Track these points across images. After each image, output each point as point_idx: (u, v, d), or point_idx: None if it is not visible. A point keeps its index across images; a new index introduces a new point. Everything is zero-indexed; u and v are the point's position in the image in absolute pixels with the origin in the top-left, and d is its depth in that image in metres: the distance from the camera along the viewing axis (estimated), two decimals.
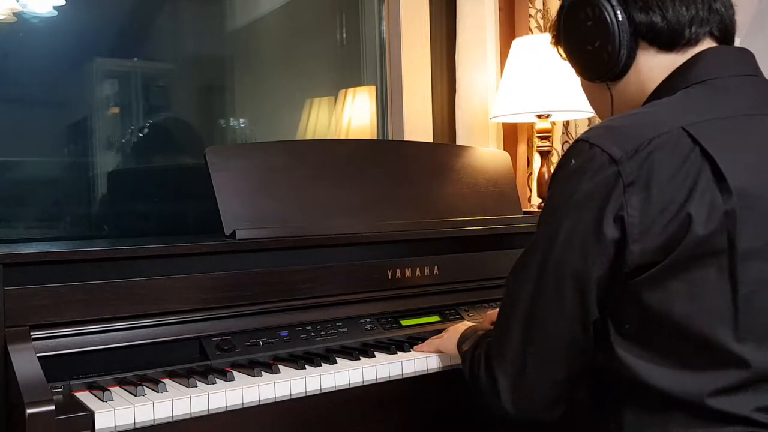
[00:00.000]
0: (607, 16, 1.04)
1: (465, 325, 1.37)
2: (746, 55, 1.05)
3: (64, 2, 1.88)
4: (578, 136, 0.98)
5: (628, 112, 1.02)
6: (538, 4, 2.36)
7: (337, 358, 1.37)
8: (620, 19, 1.03)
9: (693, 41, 1.03)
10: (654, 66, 1.05)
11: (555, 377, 1.00)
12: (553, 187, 1.00)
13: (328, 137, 2.49)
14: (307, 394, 1.26)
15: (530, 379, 1.00)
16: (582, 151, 0.95)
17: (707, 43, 1.04)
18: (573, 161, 0.96)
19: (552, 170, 2.21)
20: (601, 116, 1.18)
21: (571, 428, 1.07)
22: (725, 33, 1.05)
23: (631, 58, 1.05)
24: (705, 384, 0.88)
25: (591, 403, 1.03)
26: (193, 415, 1.16)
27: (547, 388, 1.00)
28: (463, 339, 1.27)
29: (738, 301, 0.87)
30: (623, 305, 0.93)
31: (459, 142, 2.33)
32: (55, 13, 1.88)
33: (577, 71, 1.15)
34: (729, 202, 0.87)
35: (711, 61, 1.01)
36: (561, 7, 1.16)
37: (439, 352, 1.38)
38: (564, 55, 1.17)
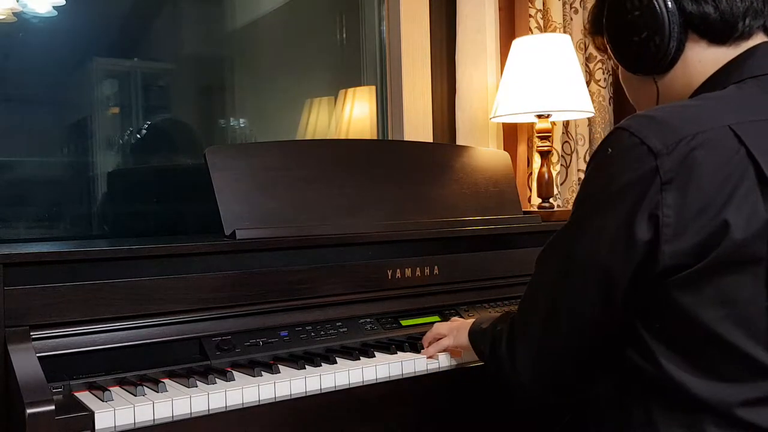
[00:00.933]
0: (657, 6, 0.99)
1: (468, 321, 1.37)
2: None
3: (64, 2, 1.88)
4: (619, 123, 0.94)
5: (675, 102, 0.98)
6: (538, 4, 2.36)
7: (337, 358, 1.37)
8: (670, 8, 0.99)
9: (746, 35, 0.98)
10: (704, 59, 1.00)
11: (575, 358, 0.99)
12: (589, 174, 0.97)
13: (328, 137, 2.49)
14: (307, 394, 1.26)
15: (551, 357, 1.00)
16: (621, 140, 0.91)
17: (760, 38, 1.00)
18: (610, 150, 0.92)
19: (551, 170, 2.22)
20: (630, 105, 1.16)
21: (594, 422, 1.06)
22: None
23: (680, 50, 1.01)
24: (735, 394, 0.86)
25: (614, 396, 1.00)
26: (193, 415, 1.16)
27: (566, 368, 1.00)
28: (479, 322, 1.27)
29: None
30: (653, 305, 0.91)
31: (459, 142, 2.33)
32: (55, 13, 1.88)
33: (620, 63, 1.10)
34: None
35: (766, 55, 0.97)
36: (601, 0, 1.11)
37: (454, 347, 1.37)
38: (603, 47, 1.13)
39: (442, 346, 1.38)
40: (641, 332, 0.93)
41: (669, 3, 0.99)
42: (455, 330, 1.37)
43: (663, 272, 0.88)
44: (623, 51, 1.07)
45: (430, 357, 1.39)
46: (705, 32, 0.99)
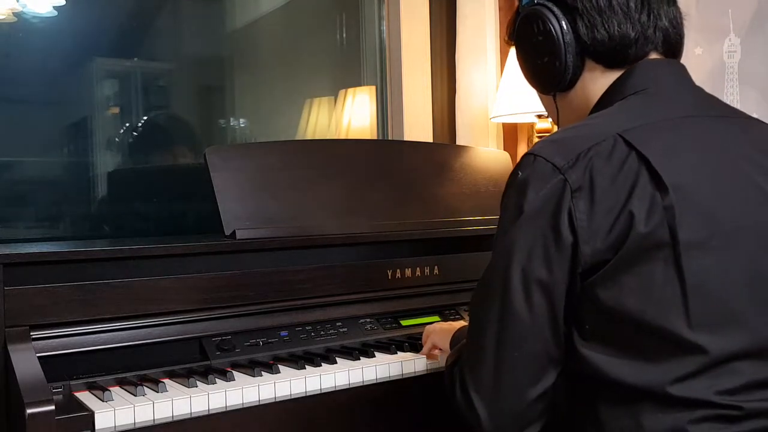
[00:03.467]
0: (554, 33, 1.08)
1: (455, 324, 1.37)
2: (677, 66, 1.09)
3: (64, 2, 1.88)
4: (527, 150, 1.03)
5: (570, 126, 1.06)
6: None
7: (337, 358, 1.37)
8: (567, 37, 1.07)
9: (637, 59, 1.06)
10: (599, 82, 1.09)
11: (532, 394, 0.99)
12: (505, 201, 1.03)
13: (328, 137, 2.49)
14: (307, 394, 1.27)
15: (507, 399, 1.00)
16: (528, 163, 0.99)
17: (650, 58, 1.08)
18: (520, 173, 0.99)
19: None
20: (554, 123, 1.24)
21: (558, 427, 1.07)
22: (670, 50, 1.09)
23: (576, 75, 1.09)
24: (665, 373, 0.91)
25: (568, 405, 1.04)
26: (193, 415, 1.16)
27: (525, 406, 1.00)
28: (454, 341, 1.26)
29: (687, 290, 0.91)
30: (581, 306, 0.96)
31: (459, 142, 2.33)
32: (55, 13, 1.88)
33: (527, 80, 1.20)
34: (667, 199, 0.91)
35: (643, 72, 1.06)
36: (516, 13, 1.19)
37: (437, 347, 1.38)
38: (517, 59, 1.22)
39: (431, 344, 1.39)
40: (575, 337, 0.97)
41: (566, 31, 1.07)
42: (440, 328, 1.38)
43: (585, 273, 0.94)
44: (528, 70, 1.18)
45: (427, 356, 1.39)
46: (599, 58, 1.08)
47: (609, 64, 1.08)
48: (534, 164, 0.98)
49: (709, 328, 0.91)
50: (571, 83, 1.11)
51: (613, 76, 1.08)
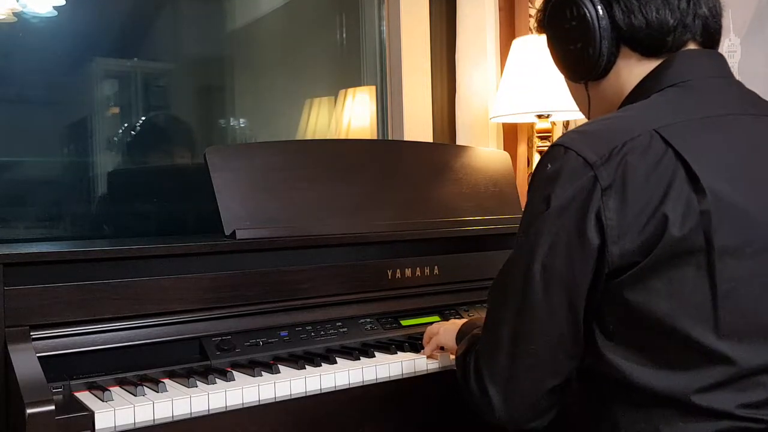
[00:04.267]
0: (589, 18, 1.03)
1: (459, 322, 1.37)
2: (718, 58, 1.05)
3: (64, 2, 1.88)
4: (556, 140, 0.99)
5: (603, 116, 1.02)
6: (538, 4, 2.35)
7: (337, 358, 1.37)
8: (602, 22, 1.03)
9: (675, 48, 1.02)
10: (634, 71, 1.05)
11: (547, 385, 0.99)
12: (531, 194, 1.00)
13: (328, 137, 2.49)
14: (307, 394, 1.26)
15: (522, 388, 1.00)
16: (557, 155, 0.95)
17: (689, 48, 1.04)
18: (549, 166, 0.96)
19: None
20: (584, 115, 1.19)
21: (562, 428, 1.07)
22: (708, 40, 1.05)
23: (611, 62, 1.05)
24: (690, 382, 0.89)
25: (582, 404, 1.03)
26: (193, 415, 1.16)
27: (540, 396, 1.00)
28: (461, 335, 1.26)
29: (717, 298, 0.88)
30: (606, 306, 0.94)
31: (459, 142, 2.33)
32: (55, 13, 1.88)
33: (557, 67, 1.15)
34: (703, 203, 0.88)
35: (684, 63, 1.01)
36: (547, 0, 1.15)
37: (440, 347, 1.38)
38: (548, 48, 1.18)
39: (436, 344, 1.39)
40: (597, 336, 0.95)
41: (601, 16, 1.03)
42: (443, 329, 1.38)
43: (613, 273, 0.92)
44: (560, 57, 1.13)
45: (429, 357, 1.39)
46: (636, 46, 1.03)
47: (646, 53, 1.03)
48: (564, 157, 0.94)
49: (738, 338, 0.89)
50: (605, 71, 1.06)
51: (649, 65, 1.03)
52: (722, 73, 1.04)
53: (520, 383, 1.00)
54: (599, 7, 1.03)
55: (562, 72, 1.15)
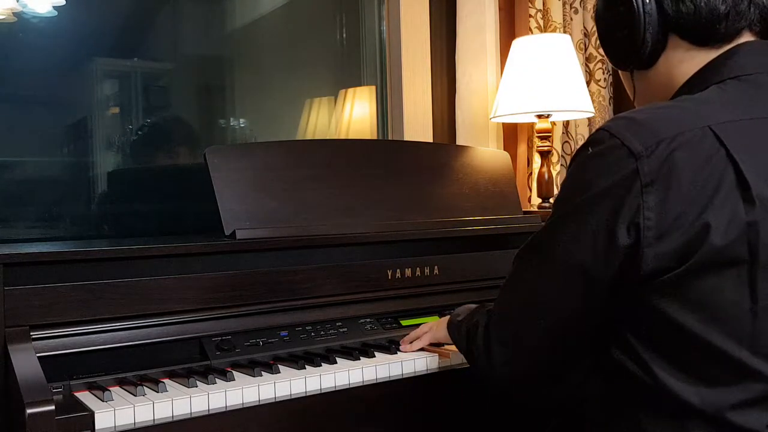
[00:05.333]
0: (635, 4, 0.99)
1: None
2: None
3: (64, 2, 1.87)
4: (602, 124, 0.94)
5: (655, 104, 0.97)
6: (538, 4, 2.35)
7: (337, 358, 1.37)
8: (648, 8, 0.98)
9: (729, 36, 0.97)
10: (685, 60, 0.99)
11: (549, 357, 1.01)
12: (570, 175, 0.96)
13: (328, 137, 2.49)
14: (307, 394, 1.26)
15: (525, 353, 1.01)
16: (602, 140, 0.91)
17: (746, 39, 0.98)
18: (590, 149, 0.91)
19: (551, 170, 2.21)
20: (631, 103, 1.15)
21: (583, 426, 1.06)
22: (767, 30, 0.99)
23: (657, 50, 1.00)
24: (723, 398, 0.86)
25: (602, 404, 1.01)
26: (193, 415, 1.16)
27: (541, 365, 1.02)
28: (456, 314, 1.27)
29: (757, 313, 0.84)
30: (638, 311, 0.91)
31: (459, 142, 2.33)
32: (55, 13, 1.87)
33: (605, 55, 1.12)
34: (751, 213, 0.83)
35: (749, 54, 0.96)
36: None
37: (436, 341, 1.39)
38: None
39: (424, 342, 1.40)
40: (627, 335, 0.92)
41: (648, 2, 0.99)
42: (435, 325, 1.39)
43: (645, 276, 0.87)
44: (608, 45, 1.09)
45: (405, 352, 1.40)
46: (685, 33, 0.99)
47: (696, 41, 0.98)
48: (608, 144, 0.89)
49: None
50: (652, 60, 1.02)
51: (702, 55, 0.98)
52: None
53: (524, 350, 1.01)
54: None
55: (610, 60, 1.11)
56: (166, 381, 1.23)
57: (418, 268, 1.63)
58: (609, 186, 0.88)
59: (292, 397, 1.25)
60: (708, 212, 0.83)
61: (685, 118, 0.88)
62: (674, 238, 0.84)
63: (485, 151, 1.92)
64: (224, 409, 1.19)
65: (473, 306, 1.24)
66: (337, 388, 1.30)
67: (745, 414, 0.85)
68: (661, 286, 0.87)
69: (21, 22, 1.83)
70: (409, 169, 1.74)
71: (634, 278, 0.88)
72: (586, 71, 2.45)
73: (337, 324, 1.50)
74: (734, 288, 0.84)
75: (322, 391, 1.28)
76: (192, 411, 1.16)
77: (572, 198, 0.93)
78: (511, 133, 2.49)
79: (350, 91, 2.53)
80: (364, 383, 1.32)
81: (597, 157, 0.90)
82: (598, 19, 1.10)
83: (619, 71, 1.13)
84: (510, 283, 1.06)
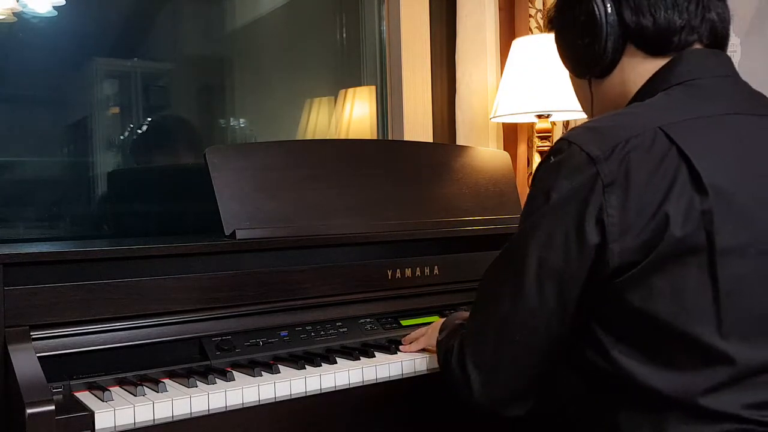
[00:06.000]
0: (597, 14, 1.04)
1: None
2: (725, 58, 1.05)
3: (64, 2, 1.88)
4: (562, 135, 1.00)
5: (609, 113, 1.03)
6: (538, 4, 2.36)
7: (337, 358, 1.37)
8: (610, 18, 1.04)
9: (680, 48, 1.03)
10: (639, 69, 1.06)
11: (529, 372, 1.00)
12: (533, 186, 1.00)
13: (328, 137, 2.49)
14: (307, 394, 1.26)
15: (504, 373, 1.01)
16: (562, 149, 0.96)
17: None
18: (552, 159, 0.97)
19: None
20: (585, 112, 1.20)
21: (566, 430, 1.07)
22: (715, 43, 1.06)
23: (616, 60, 1.06)
24: (696, 383, 0.89)
25: (581, 405, 1.03)
26: (193, 415, 1.16)
27: (520, 383, 1.01)
28: (442, 328, 1.27)
29: (720, 298, 0.88)
30: (608, 307, 0.94)
31: (459, 142, 2.33)
32: (55, 13, 1.88)
33: (563, 63, 1.16)
34: (706, 202, 0.88)
35: (690, 62, 1.02)
36: None
37: (425, 348, 1.38)
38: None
39: (420, 345, 1.40)
40: (599, 335, 0.95)
41: (610, 13, 1.04)
42: (431, 329, 1.38)
43: (613, 272, 0.91)
44: (567, 53, 1.14)
45: (405, 352, 1.40)
46: (642, 44, 1.04)
47: (651, 51, 1.04)
48: (568, 151, 0.95)
49: (741, 338, 0.88)
50: (609, 68, 1.07)
51: (654, 64, 1.04)
52: (728, 73, 1.04)
53: (502, 370, 1.00)
54: (608, 4, 1.04)
55: (567, 67, 1.15)
56: (166, 381, 1.23)
57: (418, 268, 1.63)
58: (573, 188, 0.93)
59: (292, 397, 1.25)
60: (666, 205, 0.88)
61: (637, 122, 0.94)
62: (637, 233, 0.89)
63: (485, 151, 1.92)
64: (224, 409, 1.19)
65: (457, 322, 1.22)
66: (337, 388, 1.30)
67: (718, 398, 0.88)
68: (628, 281, 0.91)
69: (21, 22, 1.83)
70: (409, 169, 1.74)
71: (603, 276, 0.92)
72: None
73: (337, 324, 1.50)
74: (697, 275, 0.89)
75: (322, 391, 1.28)
76: (192, 411, 1.16)
77: (540, 207, 0.96)
78: (511, 133, 2.49)
79: (350, 91, 2.53)
80: (364, 383, 1.32)
81: (559, 165, 0.95)
82: (558, 28, 1.15)
83: (574, 80, 1.18)
84: (480, 304, 1.06)
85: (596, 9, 1.04)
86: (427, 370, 1.38)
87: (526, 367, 1.00)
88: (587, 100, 1.15)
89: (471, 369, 1.03)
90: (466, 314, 1.25)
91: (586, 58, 1.08)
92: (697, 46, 1.04)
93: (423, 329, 1.43)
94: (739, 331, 0.89)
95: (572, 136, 0.96)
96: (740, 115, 0.98)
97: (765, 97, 1.06)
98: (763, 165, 0.94)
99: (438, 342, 1.20)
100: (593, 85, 1.12)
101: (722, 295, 0.88)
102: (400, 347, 1.43)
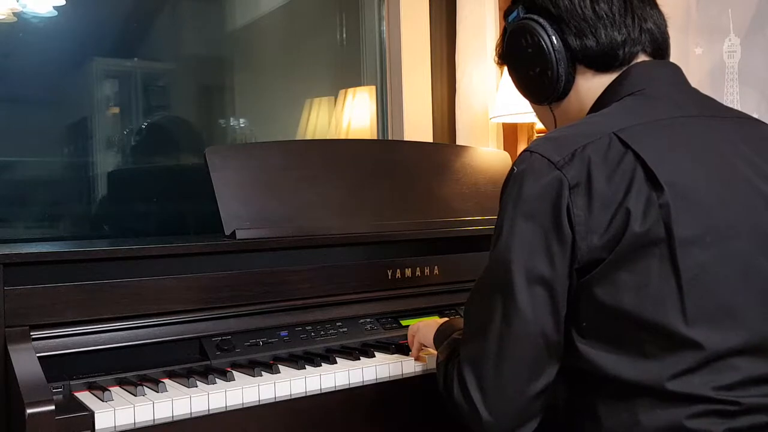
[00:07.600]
0: (544, 44, 1.10)
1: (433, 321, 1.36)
2: (672, 67, 1.12)
3: (64, 2, 1.88)
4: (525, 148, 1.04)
5: (567, 125, 1.08)
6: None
7: (337, 358, 1.37)
8: (556, 46, 1.10)
9: (626, 61, 1.09)
10: (592, 86, 1.11)
11: (533, 389, 1.00)
12: (503, 198, 1.03)
13: (328, 137, 2.49)
14: (307, 394, 1.27)
15: (508, 394, 1.00)
16: (524, 159, 1.00)
17: (641, 59, 1.11)
18: (516, 168, 1.01)
19: None
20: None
21: (549, 429, 1.07)
22: (658, 50, 1.12)
23: (569, 82, 1.12)
24: (662, 369, 0.92)
25: (564, 402, 1.05)
26: (193, 415, 1.16)
27: (526, 402, 1.00)
28: (439, 335, 1.25)
29: (682, 286, 0.92)
30: (578, 303, 0.97)
31: (459, 142, 2.33)
32: (55, 13, 1.88)
33: (521, 93, 1.21)
34: (662, 197, 0.93)
35: (639, 74, 1.08)
36: (504, 31, 1.22)
37: (422, 346, 1.38)
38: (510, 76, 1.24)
39: (418, 347, 1.39)
40: (573, 334, 0.98)
41: (555, 41, 1.10)
42: (423, 324, 1.37)
43: (581, 270, 0.95)
44: (522, 83, 1.20)
45: (417, 359, 1.39)
46: (590, 63, 1.10)
47: (600, 68, 1.10)
48: (530, 160, 0.99)
49: (706, 323, 0.92)
50: (565, 91, 1.13)
51: (606, 78, 1.10)
52: (675, 81, 1.10)
53: (506, 390, 1.00)
54: (552, 34, 1.10)
55: (526, 97, 1.21)
56: (166, 381, 1.23)
57: (418, 268, 1.63)
58: (541, 190, 0.97)
59: (292, 397, 1.25)
60: (626, 202, 0.93)
61: (593, 129, 1.00)
62: (602, 231, 0.94)
63: (485, 151, 1.92)
64: (224, 409, 1.19)
65: (455, 332, 1.20)
66: (337, 388, 1.30)
67: (687, 381, 0.91)
68: (596, 277, 0.94)
69: (21, 22, 1.83)
70: (409, 169, 1.74)
71: (574, 273, 0.96)
72: None
73: (337, 324, 1.51)
74: (659, 266, 0.93)
75: (322, 391, 1.28)
76: (192, 411, 1.16)
77: (513, 216, 0.99)
78: (511, 133, 2.49)
79: (350, 91, 2.53)
80: (364, 383, 1.32)
81: (523, 173, 0.99)
82: (509, 63, 1.21)
83: (535, 107, 1.24)
84: (472, 328, 1.05)
85: (542, 40, 1.10)
86: (427, 370, 1.38)
87: (529, 383, 1.00)
88: (551, 123, 1.21)
89: (474, 394, 1.02)
90: (461, 322, 1.24)
91: (541, 86, 1.14)
92: (642, 56, 1.10)
93: (413, 327, 1.41)
94: (705, 316, 0.92)
95: (533, 146, 1.01)
96: (691, 117, 1.04)
97: (714, 100, 1.12)
98: (712, 161, 0.99)
99: (438, 363, 1.19)
100: (554, 108, 1.18)
101: (684, 283, 0.92)
102: (411, 354, 1.41)
